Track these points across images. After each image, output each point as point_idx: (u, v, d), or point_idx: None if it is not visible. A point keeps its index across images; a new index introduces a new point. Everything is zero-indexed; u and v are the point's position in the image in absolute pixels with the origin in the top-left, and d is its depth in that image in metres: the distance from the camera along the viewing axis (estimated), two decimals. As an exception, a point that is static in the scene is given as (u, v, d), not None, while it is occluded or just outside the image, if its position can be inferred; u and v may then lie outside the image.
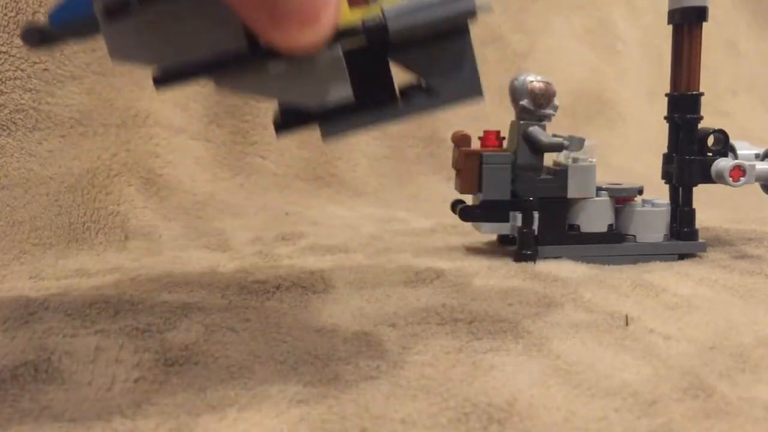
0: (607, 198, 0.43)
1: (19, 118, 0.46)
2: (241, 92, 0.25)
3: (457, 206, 0.44)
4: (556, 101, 0.43)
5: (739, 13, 1.20)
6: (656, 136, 0.63)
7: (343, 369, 0.25)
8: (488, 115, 0.80)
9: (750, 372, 0.25)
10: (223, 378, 0.24)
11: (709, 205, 0.58)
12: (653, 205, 0.44)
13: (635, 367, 0.25)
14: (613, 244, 0.43)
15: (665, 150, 0.47)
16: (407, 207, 0.62)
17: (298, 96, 0.24)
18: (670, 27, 0.45)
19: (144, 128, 0.53)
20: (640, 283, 0.37)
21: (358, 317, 0.31)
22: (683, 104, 0.44)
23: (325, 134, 0.25)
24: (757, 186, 0.46)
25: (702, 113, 0.45)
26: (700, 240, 0.45)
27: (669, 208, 0.45)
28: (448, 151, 0.57)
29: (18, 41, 0.48)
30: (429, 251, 0.45)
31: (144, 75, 0.56)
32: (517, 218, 0.43)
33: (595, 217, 0.43)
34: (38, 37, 0.23)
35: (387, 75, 0.24)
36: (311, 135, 0.72)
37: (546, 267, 0.40)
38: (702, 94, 0.45)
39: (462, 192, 0.44)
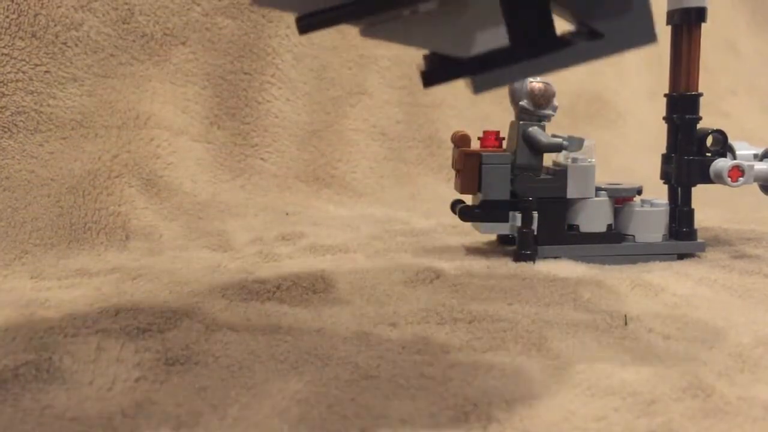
0: (607, 198, 0.43)
1: (21, 120, 0.47)
2: (388, 39, 0.22)
3: (456, 206, 0.44)
4: (556, 102, 0.43)
5: (738, 13, 1.21)
6: (655, 137, 0.63)
7: (343, 369, 0.25)
8: (488, 116, 0.80)
9: (749, 371, 0.25)
10: (223, 377, 0.24)
11: (708, 205, 0.58)
12: (652, 205, 0.44)
13: (634, 367, 0.25)
14: (613, 244, 0.43)
15: (664, 150, 0.47)
16: (407, 207, 0.62)
17: (448, 43, 0.22)
18: (669, 27, 0.45)
19: (145, 130, 0.54)
20: (639, 283, 0.37)
21: (358, 317, 0.31)
22: (682, 104, 0.45)
23: (477, 86, 0.22)
24: (755, 186, 0.46)
25: (701, 113, 0.45)
26: (699, 240, 0.45)
27: (668, 208, 0.45)
28: (448, 152, 0.57)
29: (20, 43, 0.48)
30: (429, 251, 0.45)
31: (144, 77, 0.56)
32: (517, 218, 0.43)
33: (594, 217, 0.43)
34: None
35: (545, 17, 0.22)
36: (311, 136, 0.72)
37: (545, 267, 0.40)
38: (701, 94, 0.45)
39: (462, 192, 0.44)
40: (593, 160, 0.44)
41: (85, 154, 0.49)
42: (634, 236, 0.44)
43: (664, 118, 0.46)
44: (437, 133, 0.74)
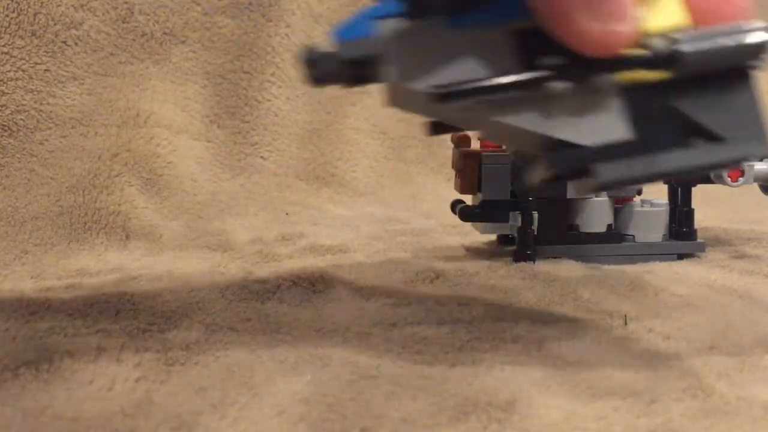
0: (607, 198, 0.43)
1: (21, 119, 0.47)
2: (515, 123, 0.23)
3: (456, 206, 0.44)
4: None
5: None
6: None
7: (343, 369, 0.25)
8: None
9: (749, 371, 0.25)
10: (223, 377, 0.24)
11: (708, 205, 0.58)
12: (652, 205, 0.44)
13: (634, 367, 0.25)
14: (613, 244, 0.43)
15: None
16: (407, 207, 0.62)
17: (573, 131, 0.23)
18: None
19: (145, 129, 0.54)
20: (639, 283, 0.37)
21: (358, 317, 0.31)
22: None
23: (600, 175, 0.23)
24: (755, 186, 0.46)
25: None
26: (699, 240, 0.45)
27: (668, 208, 0.45)
28: (448, 151, 0.57)
29: (19, 42, 0.48)
30: (429, 251, 0.45)
31: (144, 75, 0.56)
32: (517, 218, 0.43)
33: (594, 217, 0.43)
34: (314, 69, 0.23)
35: (672, 115, 0.22)
36: (311, 134, 0.72)
37: (545, 267, 0.40)
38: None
39: (462, 192, 0.44)
40: None
41: (85, 152, 0.49)
42: (634, 236, 0.44)
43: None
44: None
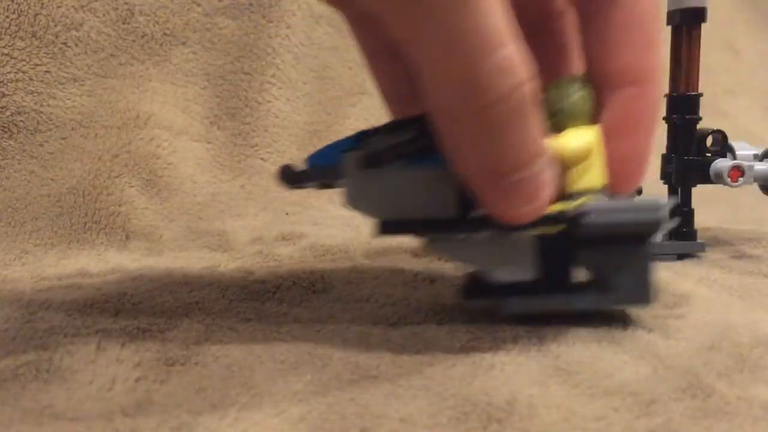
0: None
1: (21, 120, 0.47)
2: (444, 254, 0.29)
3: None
4: None
5: (738, 13, 1.21)
6: (655, 137, 0.63)
7: (343, 369, 0.25)
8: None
9: (749, 371, 0.25)
10: (223, 377, 0.24)
11: (708, 205, 0.58)
12: (653, 205, 0.44)
13: (634, 367, 0.25)
14: None
15: (664, 150, 0.47)
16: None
17: (491, 267, 0.28)
18: (669, 28, 0.45)
19: (145, 130, 0.54)
20: (639, 284, 0.37)
21: (358, 317, 0.31)
22: (682, 105, 0.45)
23: (504, 308, 0.28)
24: (755, 186, 0.46)
25: (701, 114, 0.45)
26: (699, 240, 0.45)
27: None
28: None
29: (20, 43, 0.48)
30: (429, 251, 0.45)
31: (144, 77, 0.56)
32: None
33: None
34: (291, 178, 0.28)
35: (568, 264, 0.27)
36: (312, 136, 0.72)
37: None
38: (701, 94, 0.45)
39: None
40: None
41: (85, 154, 0.49)
42: (634, 236, 0.44)
43: (663, 119, 0.46)
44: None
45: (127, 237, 0.48)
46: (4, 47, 0.47)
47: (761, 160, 0.45)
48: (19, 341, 0.27)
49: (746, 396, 0.23)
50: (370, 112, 0.71)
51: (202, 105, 0.61)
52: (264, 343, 0.27)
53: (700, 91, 0.45)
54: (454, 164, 0.25)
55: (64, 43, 0.50)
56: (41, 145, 0.47)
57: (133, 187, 0.51)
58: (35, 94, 0.48)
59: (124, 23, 0.55)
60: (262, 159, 0.63)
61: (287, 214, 0.57)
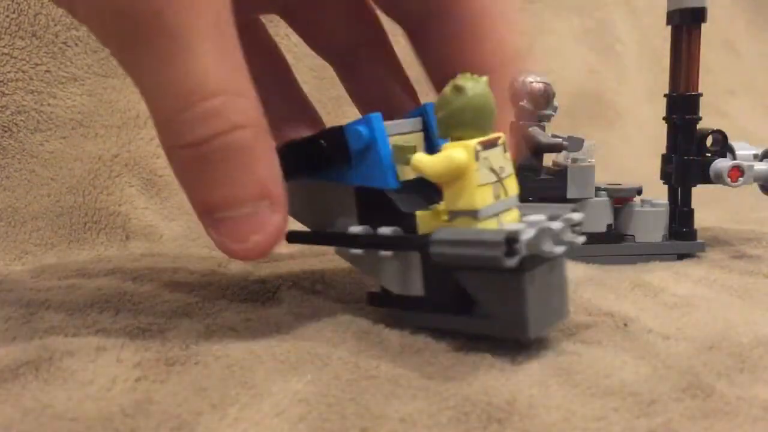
0: (607, 198, 0.43)
1: (21, 120, 0.47)
2: (352, 263, 0.30)
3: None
4: (556, 102, 0.43)
5: (738, 13, 1.21)
6: (655, 137, 0.63)
7: (343, 369, 0.25)
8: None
9: (748, 371, 0.25)
10: (223, 377, 0.24)
11: (708, 205, 0.58)
12: (652, 205, 0.44)
13: (634, 367, 0.26)
14: (612, 244, 0.43)
15: (664, 150, 0.47)
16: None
17: (386, 281, 0.29)
18: (669, 28, 0.45)
19: (145, 129, 0.54)
20: (638, 283, 0.37)
21: (357, 317, 0.31)
22: (682, 105, 0.45)
23: (400, 320, 0.29)
24: (755, 186, 0.46)
25: (701, 113, 0.45)
26: (699, 240, 0.45)
27: (668, 208, 0.45)
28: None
29: (20, 43, 0.48)
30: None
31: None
32: None
33: (594, 217, 0.43)
34: None
35: (455, 286, 0.26)
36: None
37: (545, 267, 0.40)
38: (701, 94, 0.45)
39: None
40: (593, 160, 0.44)
41: (85, 153, 0.49)
42: (633, 236, 0.44)
43: (663, 119, 0.46)
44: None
45: (127, 237, 0.48)
46: (4, 47, 0.46)
47: (761, 160, 0.45)
48: (19, 341, 0.27)
49: (746, 396, 0.23)
50: (370, 111, 0.71)
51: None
52: (264, 343, 0.27)
53: (700, 91, 0.45)
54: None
55: (64, 43, 0.50)
56: (41, 145, 0.47)
57: (133, 186, 0.51)
58: (35, 93, 0.48)
59: (124, 23, 0.55)
60: (261, 159, 0.63)
61: (287, 213, 0.57)
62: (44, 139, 0.48)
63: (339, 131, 0.28)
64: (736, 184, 0.43)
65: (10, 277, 0.38)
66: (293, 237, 0.31)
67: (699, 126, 0.45)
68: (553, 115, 0.44)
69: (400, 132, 0.28)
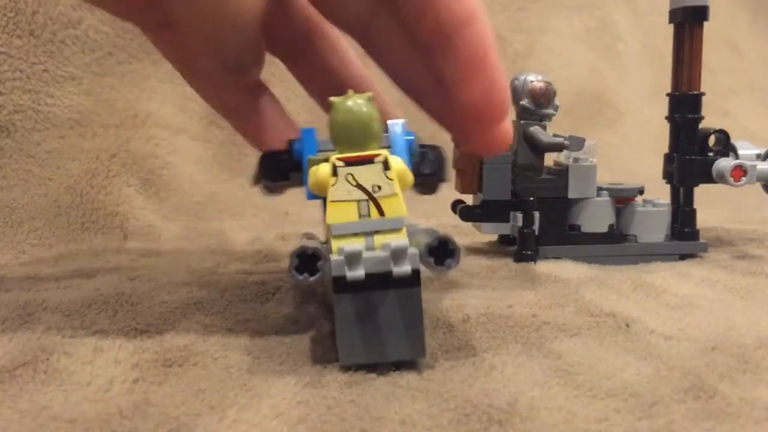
0: (608, 198, 0.43)
1: (18, 119, 0.46)
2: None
3: (457, 206, 0.44)
4: (557, 101, 0.43)
5: (740, 12, 1.20)
6: (657, 136, 0.63)
7: (342, 370, 0.25)
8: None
9: (751, 373, 0.25)
10: (222, 378, 0.24)
11: (710, 205, 0.58)
12: (654, 205, 0.44)
13: (636, 368, 0.25)
14: (614, 244, 0.43)
15: (666, 150, 0.47)
16: (407, 207, 0.62)
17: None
18: (671, 26, 0.45)
19: (143, 129, 0.53)
20: (641, 284, 0.37)
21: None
22: (684, 104, 0.44)
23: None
24: (758, 186, 0.46)
25: (703, 113, 0.45)
26: (701, 240, 0.45)
27: (670, 208, 0.45)
28: (448, 152, 0.56)
29: (17, 42, 0.48)
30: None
31: (143, 75, 0.56)
32: (518, 218, 0.43)
33: (596, 217, 0.43)
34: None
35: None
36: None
37: (546, 267, 0.40)
38: (703, 94, 0.45)
39: (462, 192, 0.44)
40: (594, 159, 0.44)
41: (83, 153, 0.49)
42: (635, 236, 0.44)
43: (666, 118, 0.46)
44: (438, 133, 0.74)
45: (126, 237, 0.47)
46: (1, 45, 0.46)
47: (764, 159, 0.45)
48: (16, 342, 0.27)
49: (749, 397, 0.23)
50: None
51: (201, 104, 0.61)
52: (263, 344, 0.27)
53: (702, 90, 0.45)
54: None
55: (62, 42, 0.50)
56: (39, 144, 0.47)
57: (131, 186, 0.51)
58: (33, 92, 0.48)
59: (122, 22, 0.55)
60: (261, 158, 0.63)
61: (287, 213, 0.57)
62: (42, 138, 0.48)
63: (289, 143, 0.28)
64: (738, 183, 0.43)
65: (8, 277, 0.38)
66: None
67: (701, 125, 0.45)
68: (554, 114, 0.43)
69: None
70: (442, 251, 0.24)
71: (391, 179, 0.25)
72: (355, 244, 0.24)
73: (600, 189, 0.43)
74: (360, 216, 0.24)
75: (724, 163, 0.43)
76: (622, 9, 1.04)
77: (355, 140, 0.25)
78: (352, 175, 0.24)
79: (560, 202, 0.43)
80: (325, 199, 0.25)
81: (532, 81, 0.42)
